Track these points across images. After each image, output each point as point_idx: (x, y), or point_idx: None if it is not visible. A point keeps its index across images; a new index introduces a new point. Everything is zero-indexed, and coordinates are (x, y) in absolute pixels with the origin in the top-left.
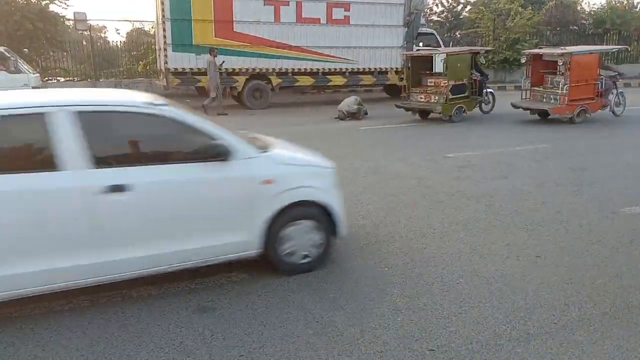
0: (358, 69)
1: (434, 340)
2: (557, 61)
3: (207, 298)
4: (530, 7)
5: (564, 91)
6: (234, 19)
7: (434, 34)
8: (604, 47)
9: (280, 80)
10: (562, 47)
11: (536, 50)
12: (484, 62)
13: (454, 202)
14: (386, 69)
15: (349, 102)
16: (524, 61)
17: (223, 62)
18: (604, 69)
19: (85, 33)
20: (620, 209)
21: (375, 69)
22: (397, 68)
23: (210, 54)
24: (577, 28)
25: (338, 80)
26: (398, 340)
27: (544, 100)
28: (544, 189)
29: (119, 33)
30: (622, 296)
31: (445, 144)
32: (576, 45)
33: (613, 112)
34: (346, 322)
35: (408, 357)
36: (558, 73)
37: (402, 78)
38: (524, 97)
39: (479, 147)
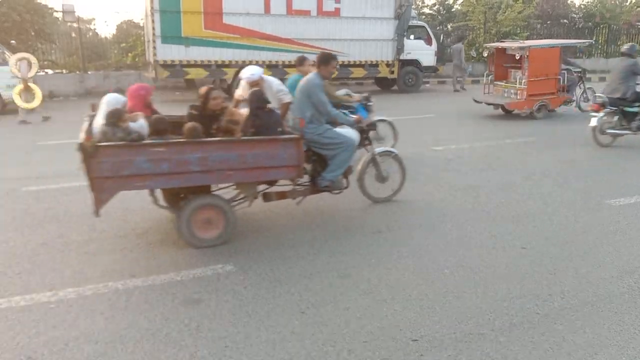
0: (349, 61)
1: (417, 330)
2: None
3: (193, 290)
4: (521, 0)
5: (523, 86)
6: (223, 11)
7: (425, 27)
8: (566, 41)
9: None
10: (521, 41)
11: (497, 44)
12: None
13: (441, 194)
14: (377, 61)
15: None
16: (485, 55)
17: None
18: (565, 64)
19: (74, 25)
20: (605, 200)
21: (366, 61)
22: (387, 61)
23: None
24: (567, 22)
25: None
26: (382, 330)
27: (505, 95)
28: (531, 181)
29: (107, 25)
30: (604, 286)
31: (432, 137)
32: (566, 38)
33: (579, 108)
34: (331, 313)
35: (391, 346)
36: (524, 68)
37: (393, 71)
38: (485, 91)
39: (465, 140)
